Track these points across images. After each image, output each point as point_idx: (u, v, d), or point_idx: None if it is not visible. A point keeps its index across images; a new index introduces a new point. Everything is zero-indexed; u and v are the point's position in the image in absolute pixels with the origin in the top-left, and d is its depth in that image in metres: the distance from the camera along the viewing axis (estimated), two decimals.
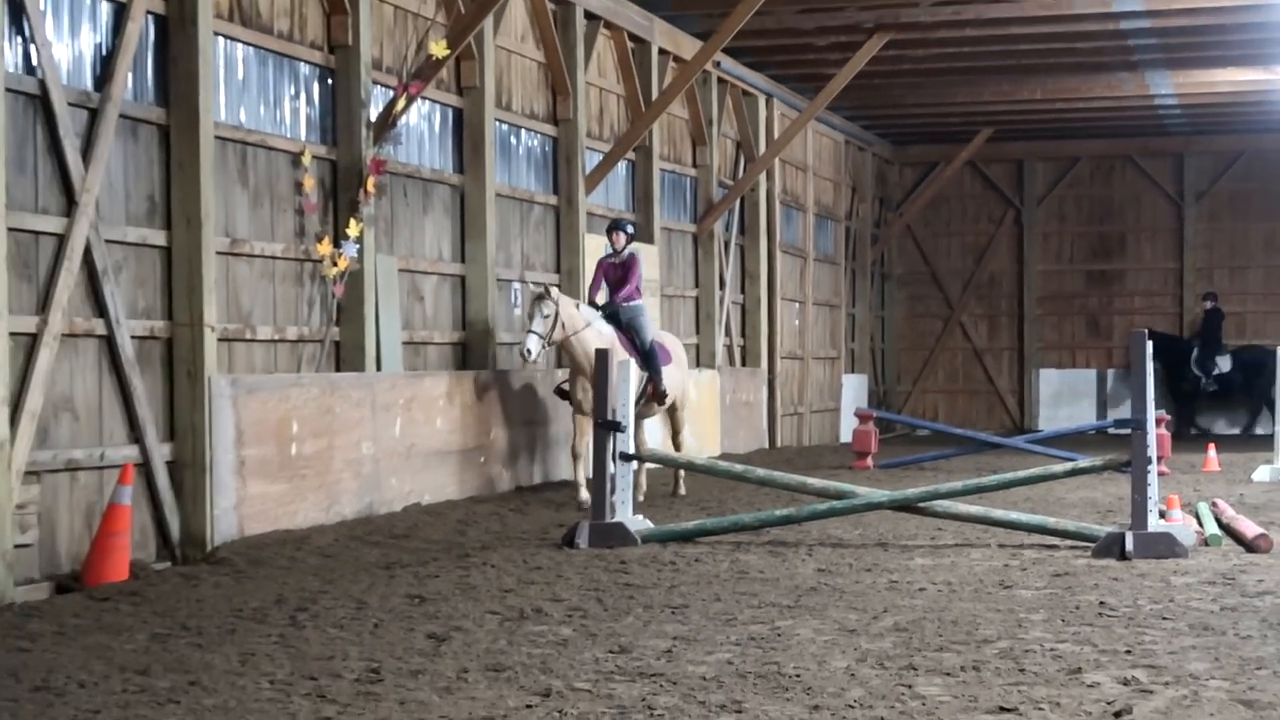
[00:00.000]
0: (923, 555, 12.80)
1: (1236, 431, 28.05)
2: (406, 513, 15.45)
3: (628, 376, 14.24)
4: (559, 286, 16.21)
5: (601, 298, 16.94)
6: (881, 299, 34.71)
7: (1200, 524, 14.02)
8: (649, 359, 16.51)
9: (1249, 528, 13.57)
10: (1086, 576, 11.57)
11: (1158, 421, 13.48)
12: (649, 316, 16.87)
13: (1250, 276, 33.48)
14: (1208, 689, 7.82)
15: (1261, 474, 19.98)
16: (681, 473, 17.64)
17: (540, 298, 15.62)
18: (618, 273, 16.94)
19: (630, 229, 17.42)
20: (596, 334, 15.83)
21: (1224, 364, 30.25)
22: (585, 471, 15.81)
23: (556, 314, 15.60)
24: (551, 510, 15.94)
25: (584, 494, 15.74)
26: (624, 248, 17.20)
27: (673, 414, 17.91)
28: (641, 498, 15.87)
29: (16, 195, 11.00)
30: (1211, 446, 24.12)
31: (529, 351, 15.51)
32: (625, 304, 16.82)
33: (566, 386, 16.93)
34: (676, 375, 17.39)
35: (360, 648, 9.01)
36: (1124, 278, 34.37)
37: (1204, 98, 29.55)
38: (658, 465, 17.14)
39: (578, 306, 16.19)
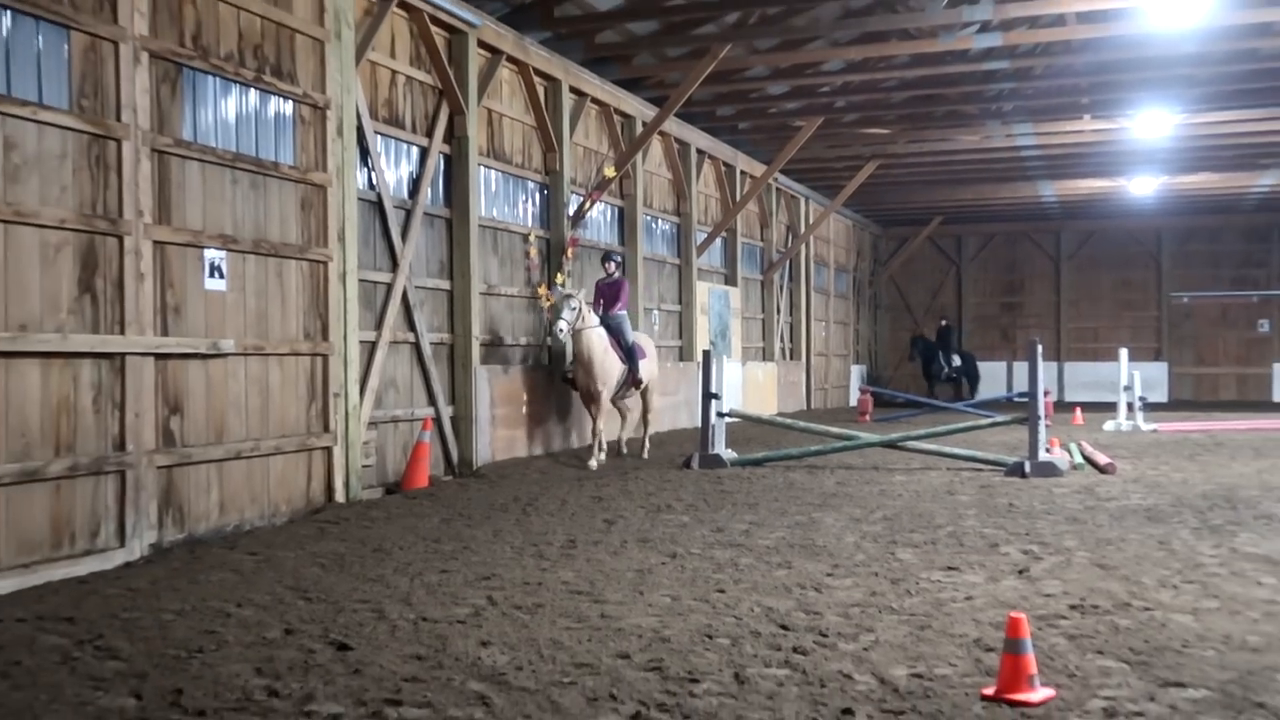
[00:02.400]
0: (900, 475, 12.67)
1: (962, 398, 27.56)
2: (590, 447, 15.52)
3: (723, 367, 14.15)
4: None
5: (599, 311, 14.14)
6: (874, 319, 34.31)
7: (1071, 456, 13.80)
8: (630, 355, 14.09)
9: (1102, 458, 13.37)
10: (1001, 488, 11.42)
11: (1046, 393, 13.23)
12: (629, 324, 14.48)
13: (1101, 307, 32.90)
14: (1076, 557, 7.73)
15: (1109, 426, 19.60)
16: (647, 440, 15.26)
17: (569, 296, 13.20)
18: (611, 291, 14.35)
19: (619, 259, 14.83)
20: (599, 334, 13.54)
21: (956, 360, 29.77)
22: (598, 445, 13.70)
23: (580, 309, 13.19)
24: (675, 447, 15.92)
25: (593, 463, 13.35)
26: (615, 273, 14.55)
27: (645, 394, 15.02)
28: (604, 455, 13.74)
29: (364, 260, 11.17)
30: (1078, 409, 23.69)
31: (562, 330, 13.03)
32: (614, 313, 14.19)
33: (571, 374, 14.16)
34: (649, 367, 14.66)
35: (563, 527, 9.10)
36: (1023, 307, 33.87)
37: (1073, 197, 29.02)
38: (610, 437, 14.14)
39: (589, 310, 13.62)
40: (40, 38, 7.66)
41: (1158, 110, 19.49)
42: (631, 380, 14.28)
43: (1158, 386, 30.54)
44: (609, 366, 13.64)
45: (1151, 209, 30.70)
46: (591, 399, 13.74)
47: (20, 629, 5.93)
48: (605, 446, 14.13)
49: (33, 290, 7.53)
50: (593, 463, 13.37)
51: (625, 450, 14.95)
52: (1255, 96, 19.03)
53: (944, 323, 30.72)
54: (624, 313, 14.37)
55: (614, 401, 14.53)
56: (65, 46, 7.83)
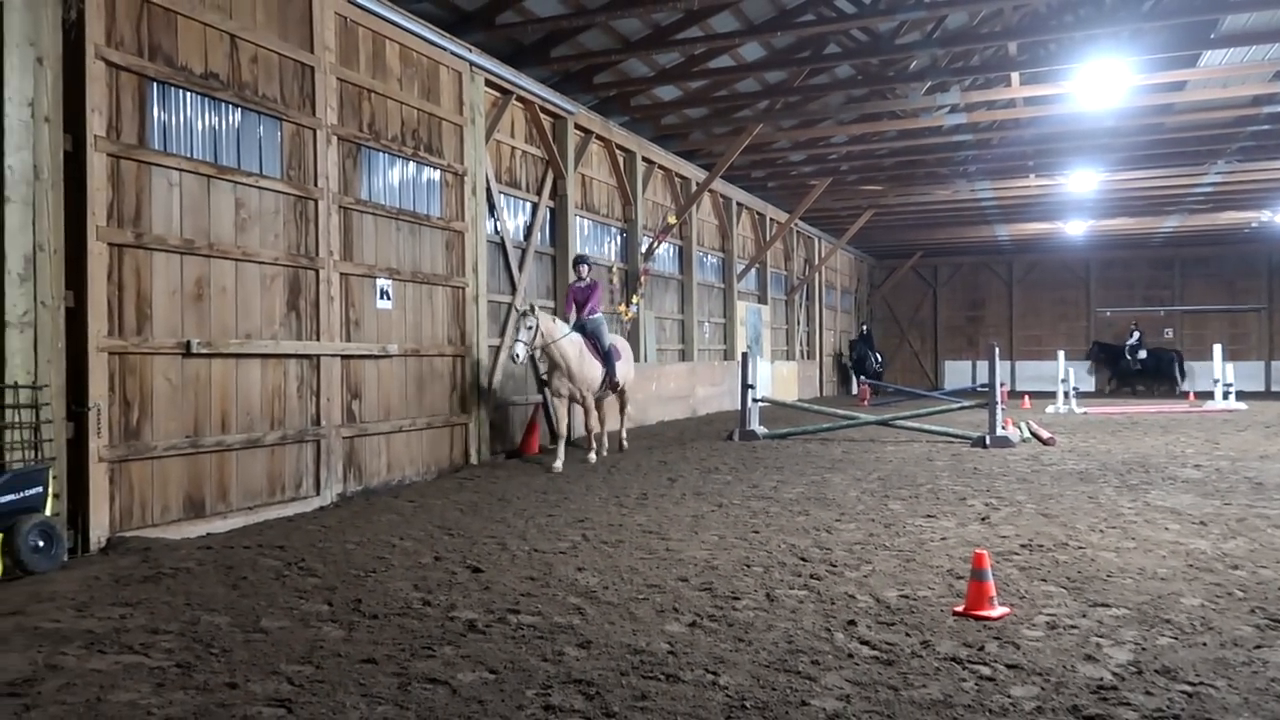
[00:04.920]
0: (890, 446, 12.50)
1: (889, 385, 25.96)
2: (658, 425, 15.50)
3: (757, 364, 14.00)
4: (549, 309, 11.17)
5: (573, 315, 10.89)
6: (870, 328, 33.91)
7: (1021, 432, 13.49)
8: (607, 358, 10.86)
9: (1045, 434, 13.03)
10: (968, 456, 11.22)
11: (1001, 384, 12.93)
12: (605, 326, 11.07)
13: (1043, 319, 32.09)
14: (1026, 507, 7.56)
15: (1050, 409, 19.15)
16: (624, 435, 12.13)
17: (525, 314, 9.91)
18: (584, 294, 10.94)
19: (591, 262, 11.40)
20: (570, 341, 10.28)
21: (878, 357, 28.29)
22: (562, 448, 10.37)
23: (537, 327, 9.86)
24: (720, 425, 15.83)
25: (558, 465, 10.04)
26: (587, 277, 11.07)
27: (621, 395, 11.77)
28: (594, 458, 10.74)
29: (491, 286, 11.24)
30: (1026, 396, 23.19)
31: (517, 356, 9.66)
32: (590, 317, 10.84)
33: (546, 378, 11.03)
34: (625, 369, 11.52)
35: (638, 483, 9.07)
36: (983, 319, 33.14)
37: (1021, 236, 28.48)
38: (592, 435, 11.20)
39: (554, 321, 10.26)
40: (261, 127, 7.82)
41: (1086, 170, 19.19)
42: (609, 383, 11.08)
43: (1087, 379, 29.92)
44: (588, 372, 10.55)
45: (1082, 244, 30.03)
46: (577, 403, 10.77)
47: (246, 553, 6.05)
48: (564, 451, 10.57)
49: (255, 309, 7.68)
50: (591, 456, 10.61)
51: (595, 448, 11.18)
52: (1161, 160, 18.69)
53: (865, 328, 28.79)
54: (599, 315, 11.06)
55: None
56: (278, 133, 7.98)
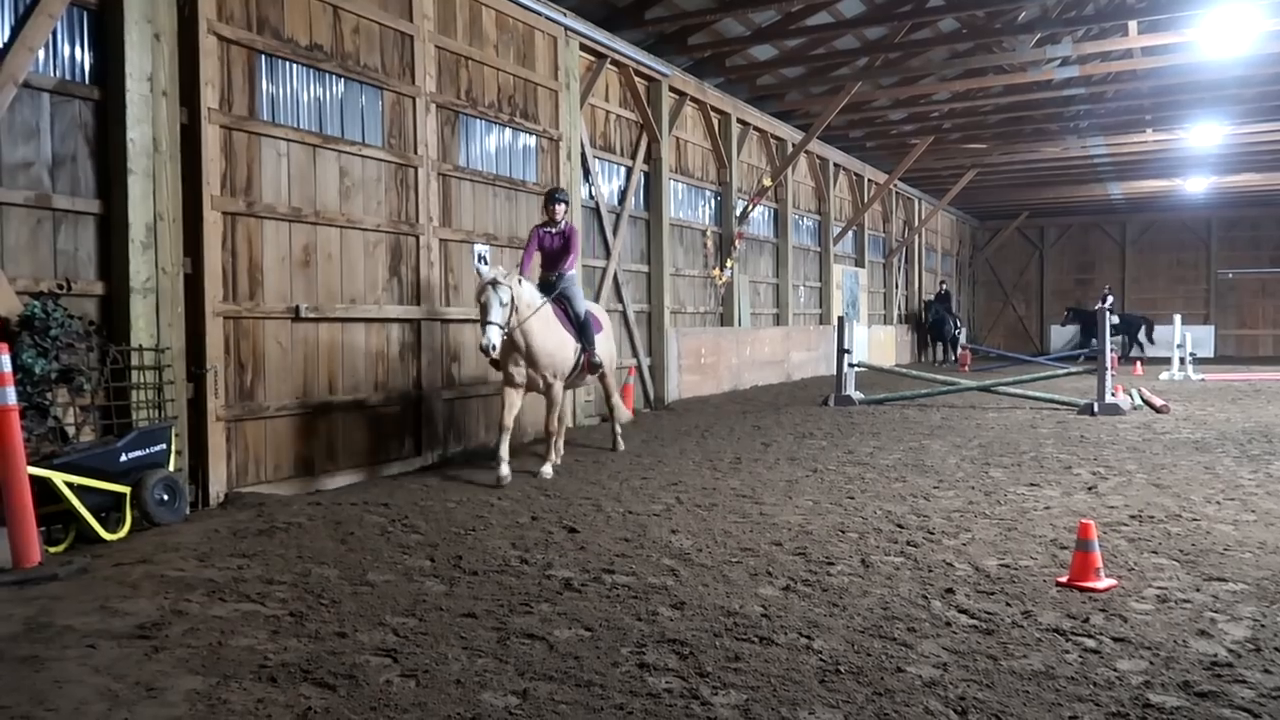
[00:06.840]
0: (992, 412, 12.17)
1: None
2: (751, 390, 15.40)
3: (853, 329, 13.72)
4: (518, 268, 7.45)
5: (534, 267, 8.12)
6: (972, 293, 32.83)
7: (1132, 399, 12.97)
8: (583, 330, 7.94)
9: (1158, 401, 12.51)
10: (1074, 423, 10.84)
11: (1112, 350, 12.41)
12: (579, 287, 8.18)
13: (1159, 281, 30.70)
14: (1136, 477, 7.28)
15: (1164, 376, 18.35)
16: (618, 431, 8.99)
17: (494, 285, 7.00)
18: (557, 242, 7.96)
19: (568, 200, 8.22)
20: (541, 318, 7.45)
21: (957, 320, 25.57)
22: (504, 447, 7.31)
23: (513, 302, 7.09)
24: (815, 390, 15.64)
25: (504, 470, 7.20)
26: (563, 219, 7.97)
27: (603, 378, 8.58)
28: (550, 469, 7.52)
29: (586, 251, 11.29)
30: (1138, 363, 22.26)
31: (492, 346, 6.87)
32: (567, 273, 8.02)
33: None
34: (605, 345, 8.44)
35: (731, 448, 9.06)
36: (1093, 283, 31.78)
37: (1136, 194, 27.22)
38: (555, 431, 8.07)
39: (520, 283, 7.24)
40: (363, 96, 8.00)
41: (1209, 123, 18.16)
42: (588, 364, 8.09)
43: (1205, 345, 28.40)
44: (555, 350, 7.63)
45: (1203, 203, 28.46)
46: (538, 392, 7.76)
47: (353, 510, 6.29)
48: (507, 451, 7.42)
49: (359, 274, 7.91)
50: (547, 468, 7.56)
51: (556, 454, 8.14)
52: None
53: (943, 287, 26.47)
54: (574, 273, 8.20)
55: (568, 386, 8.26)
56: (380, 102, 8.15)
